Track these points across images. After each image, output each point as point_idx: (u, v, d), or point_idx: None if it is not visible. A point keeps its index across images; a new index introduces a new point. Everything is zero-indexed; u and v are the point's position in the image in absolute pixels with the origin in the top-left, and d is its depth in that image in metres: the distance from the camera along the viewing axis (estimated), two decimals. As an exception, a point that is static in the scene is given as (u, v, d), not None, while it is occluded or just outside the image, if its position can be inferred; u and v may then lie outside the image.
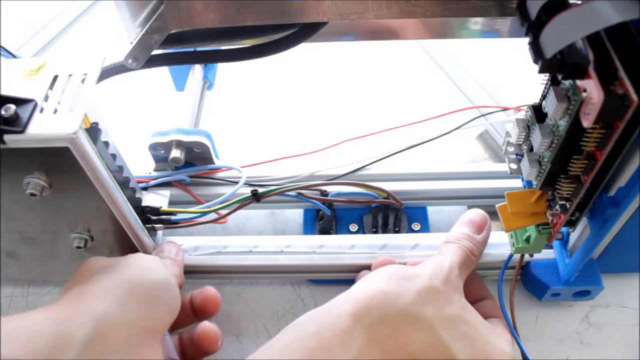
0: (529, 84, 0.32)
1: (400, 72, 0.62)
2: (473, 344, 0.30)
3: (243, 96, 0.61)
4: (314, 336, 0.29)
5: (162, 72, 0.55)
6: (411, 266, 0.34)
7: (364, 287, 0.31)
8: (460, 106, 0.52)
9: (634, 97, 0.22)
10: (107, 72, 0.35)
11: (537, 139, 0.29)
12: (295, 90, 0.61)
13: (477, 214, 0.38)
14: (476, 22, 0.34)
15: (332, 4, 0.29)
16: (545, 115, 0.29)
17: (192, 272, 0.41)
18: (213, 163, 0.45)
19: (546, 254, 0.39)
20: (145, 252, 0.38)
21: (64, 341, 0.25)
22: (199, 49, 0.36)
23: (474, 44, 0.61)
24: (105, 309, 0.27)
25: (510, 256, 0.38)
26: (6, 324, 0.25)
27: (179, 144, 0.43)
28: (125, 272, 0.30)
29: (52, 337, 0.25)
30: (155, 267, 0.32)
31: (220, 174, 0.45)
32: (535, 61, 0.25)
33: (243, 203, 0.39)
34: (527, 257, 0.38)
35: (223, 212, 0.40)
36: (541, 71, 0.25)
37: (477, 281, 0.38)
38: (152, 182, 0.43)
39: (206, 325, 0.34)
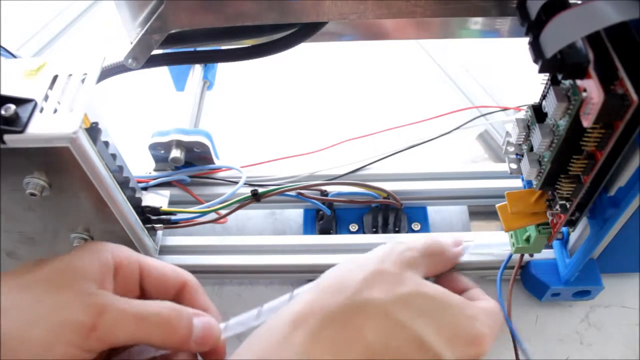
0: (529, 84, 0.32)
1: (400, 72, 0.62)
2: (439, 318, 0.28)
3: (243, 96, 0.61)
4: (256, 350, 0.28)
5: (162, 72, 0.55)
6: (363, 254, 0.32)
7: (307, 291, 0.30)
8: (460, 106, 0.52)
9: (634, 97, 0.22)
10: (107, 72, 0.35)
11: (537, 139, 0.29)
12: (295, 90, 0.60)
13: (454, 237, 0.36)
14: (476, 22, 0.34)
15: (332, 4, 0.29)
16: (545, 115, 0.29)
17: (192, 272, 0.40)
18: (213, 163, 0.45)
19: (546, 254, 0.39)
20: (146, 252, 0.38)
21: None
22: (199, 49, 0.36)
23: (474, 44, 0.61)
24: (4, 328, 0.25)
25: (510, 256, 0.38)
26: None
27: (179, 144, 0.43)
28: (18, 281, 0.28)
29: None
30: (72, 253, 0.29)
31: (220, 174, 0.45)
32: (535, 61, 0.25)
33: (243, 203, 0.39)
34: (527, 257, 0.38)
35: (223, 212, 0.40)
36: (541, 71, 0.25)
37: (456, 276, 0.35)
38: (152, 182, 0.43)
39: None
